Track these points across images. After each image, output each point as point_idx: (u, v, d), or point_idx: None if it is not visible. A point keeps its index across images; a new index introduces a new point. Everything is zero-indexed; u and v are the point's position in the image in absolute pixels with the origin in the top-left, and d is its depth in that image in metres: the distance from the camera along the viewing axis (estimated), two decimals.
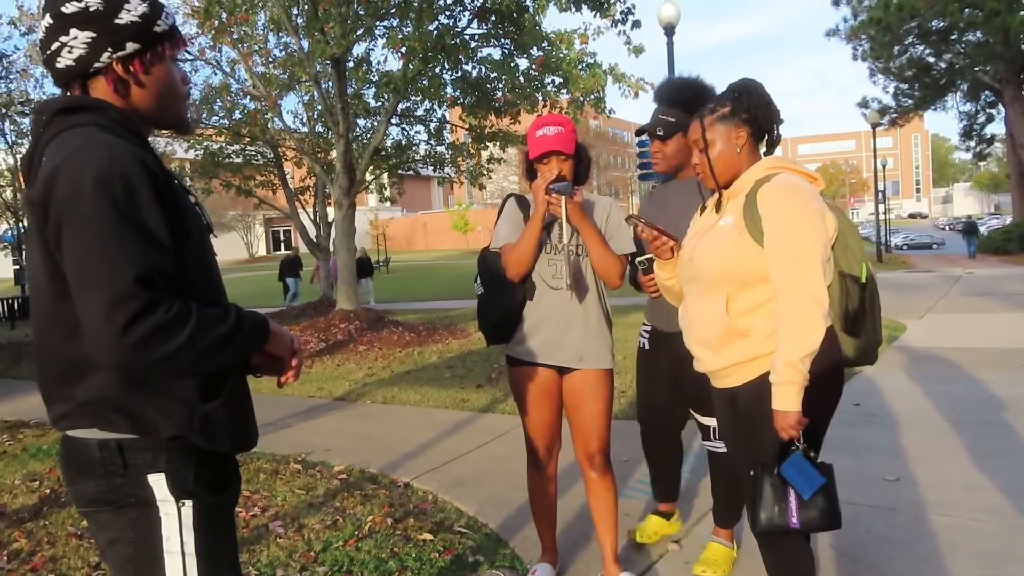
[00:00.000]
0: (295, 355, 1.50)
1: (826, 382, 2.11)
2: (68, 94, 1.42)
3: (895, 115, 32.71)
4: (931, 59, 30.07)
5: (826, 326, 2.03)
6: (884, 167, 33.38)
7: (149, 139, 1.48)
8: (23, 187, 1.42)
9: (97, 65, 1.38)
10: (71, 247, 1.23)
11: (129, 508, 1.35)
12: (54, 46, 1.37)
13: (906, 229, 58.27)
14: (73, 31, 1.36)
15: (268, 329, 1.41)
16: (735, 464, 2.42)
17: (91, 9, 1.36)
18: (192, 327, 1.24)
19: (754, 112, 2.19)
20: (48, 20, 1.37)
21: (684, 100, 2.93)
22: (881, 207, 31.88)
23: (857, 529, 3.33)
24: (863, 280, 2.15)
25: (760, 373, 2.14)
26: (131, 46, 1.39)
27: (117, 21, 1.37)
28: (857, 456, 4.36)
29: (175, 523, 1.35)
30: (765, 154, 2.27)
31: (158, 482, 1.35)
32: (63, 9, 1.36)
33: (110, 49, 1.37)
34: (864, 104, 32.42)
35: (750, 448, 2.20)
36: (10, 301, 16.22)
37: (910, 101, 32.23)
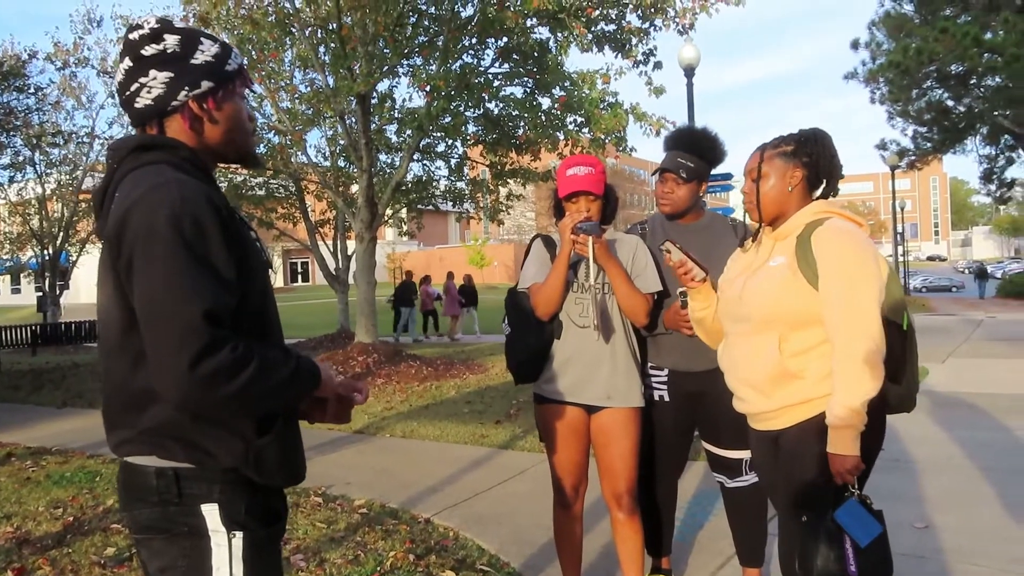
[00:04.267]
0: (342, 397, 1.56)
1: (873, 427, 2.10)
2: (144, 132, 1.47)
3: (913, 158, 32.63)
4: (950, 103, 30.07)
5: (882, 369, 2.03)
6: (903, 209, 33.30)
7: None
8: (94, 220, 1.47)
9: (174, 103, 1.44)
10: (142, 282, 1.27)
11: (182, 537, 1.37)
12: (133, 87, 1.44)
13: (925, 272, 57.85)
14: (152, 72, 1.42)
15: (319, 376, 1.46)
16: (776, 506, 2.40)
17: (169, 51, 1.43)
18: (254, 369, 1.28)
19: (815, 158, 2.22)
20: (127, 63, 1.44)
21: (701, 149, 3.00)
22: (900, 249, 31.71)
23: None
24: (904, 327, 2.16)
25: (808, 416, 2.13)
26: (205, 84, 1.46)
27: (193, 61, 1.44)
28: (883, 502, 4.22)
29: (226, 554, 1.37)
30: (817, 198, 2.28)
31: (211, 512, 1.37)
32: (143, 52, 1.43)
33: (187, 88, 1.44)
34: (882, 146, 32.39)
35: (794, 492, 2.19)
36: (34, 328, 16.41)
37: (929, 144, 32.16)
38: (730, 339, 2.37)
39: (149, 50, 1.42)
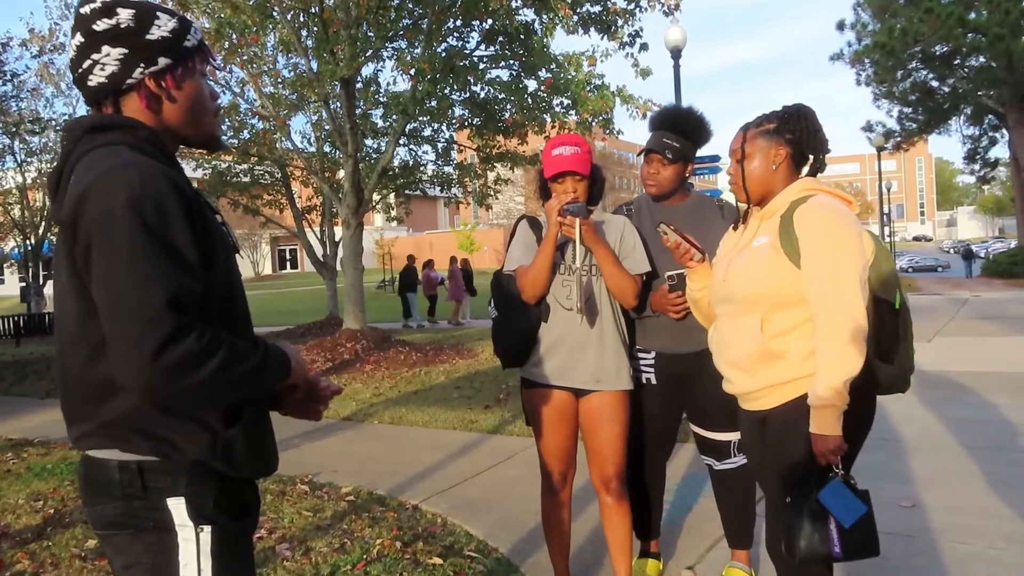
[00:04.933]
0: (309, 383, 1.51)
1: (861, 407, 2.08)
2: (100, 112, 1.41)
3: (899, 139, 32.75)
4: (935, 83, 30.14)
5: (866, 350, 2.01)
6: (888, 190, 33.44)
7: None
8: (50, 204, 1.41)
9: (130, 81, 1.37)
10: (101, 269, 1.21)
11: (147, 532, 1.32)
12: (86, 64, 1.37)
13: (911, 252, 58.25)
14: (105, 48, 1.35)
15: (289, 367, 1.40)
16: (763, 487, 2.38)
17: (122, 26, 1.35)
18: (221, 359, 1.23)
19: (799, 134, 2.19)
20: (79, 39, 1.37)
21: (687, 130, 2.95)
22: (886, 230, 31.87)
23: (875, 557, 3.27)
24: (897, 306, 2.12)
25: (793, 396, 2.12)
26: (163, 61, 1.38)
27: (148, 37, 1.37)
28: (870, 481, 4.24)
29: (193, 549, 1.32)
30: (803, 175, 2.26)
31: (177, 507, 1.32)
32: (94, 27, 1.35)
33: (142, 65, 1.37)
34: (868, 128, 32.50)
35: (780, 473, 2.18)
36: (16, 319, 16.25)
37: (914, 125, 32.27)
38: (718, 320, 2.36)
39: (101, 25, 1.35)
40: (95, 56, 1.36)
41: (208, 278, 1.30)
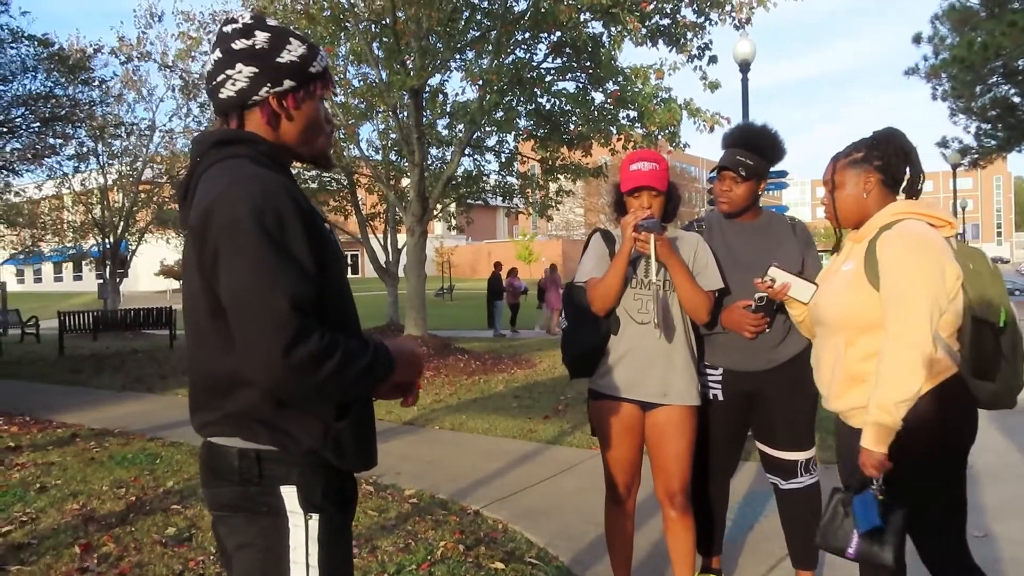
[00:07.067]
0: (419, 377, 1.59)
1: (949, 424, 2.16)
2: (225, 124, 1.53)
3: (976, 156, 31.53)
4: (1016, 99, 29.02)
5: (925, 375, 2.04)
6: (964, 209, 32.31)
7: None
8: (179, 211, 1.52)
9: (255, 98, 1.49)
10: (228, 273, 1.32)
11: (261, 516, 1.42)
12: (219, 78, 1.49)
13: None
14: (239, 66, 1.47)
15: (394, 365, 1.47)
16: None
17: (257, 47, 1.47)
18: (340, 357, 1.32)
19: (888, 159, 2.22)
20: (218, 54, 1.49)
21: (761, 147, 2.95)
22: None
23: None
24: (1001, 324, 2.13)
25: None
26: (287, 83, 1.50)
27: (278, 60, 1.48)
28: None
29: (303, 535, 1.42)
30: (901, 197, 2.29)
31: (290, 494, 1.42)
32: (232, 45, 1.47)
33: (269, 84, 1.48)
34: (944, 144, 31.37)
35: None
36: (95, 314, 16.95)
37: (993, 142, 31.04)
38: (816, 340, 2.45)
39: (239, 44, 1.47)
40: (229, 72, 1.48)
41: (322, 284, 1.39)
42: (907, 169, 2.24)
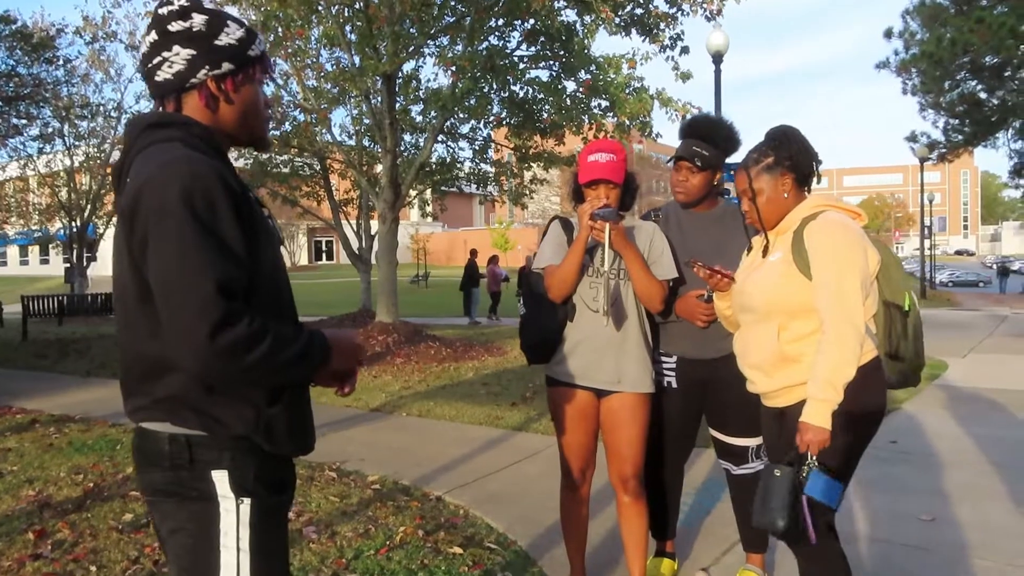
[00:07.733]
0: (359, 366, 1.59)
1: (870, 405, 2.29)
2: (162, 107, 1.51)
3: (944, 150, 31.98)
4: (983, 95, 29.46)
5: (860, 354, 2.18)
6: (931, 202, 32.83)
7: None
8: (115, 195, 1.51)
9: (193, 81, 1.48)
10: (156, 257, 1.31)
11: (191, 501, 1.43)
12: (156, 60, 1.48)
13: (952, 266, 57.08)
14: (176, 47, 1.46)
15: (330, 353, 1.48)
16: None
17: (194, 29, 1.47)
18: (270, 343, 1.32)
19: (796, 159, 2.37)
20: (153, 36, 1.48)
21: (717, 138, 3.00)
22: (927, 243, 31.32)
23: (890, 569, 3.29)
24: (906, 308, 2.32)
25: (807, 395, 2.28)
26: (226, 66, 1.49)
27: (216, 42, 1.48)
28: (892, 494, 4.31)
29: (233, 519, 1.42)
30: (808, 190, 2.43)
31: (221, 479, 1.42)
32: (169, 27, 1.47)
33: (207, 67, 1.48)
34: (913, 138, 31.77)
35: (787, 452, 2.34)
36: (60, 299, 16.71)
37: (960, 137, 31.53)
38: (742, 328, 2.55)
39: (175, 26, 1.46)
40: (166, 54, 1.47)
41: (254, 268, 1.39)
42: (810, 162, 2.39)
